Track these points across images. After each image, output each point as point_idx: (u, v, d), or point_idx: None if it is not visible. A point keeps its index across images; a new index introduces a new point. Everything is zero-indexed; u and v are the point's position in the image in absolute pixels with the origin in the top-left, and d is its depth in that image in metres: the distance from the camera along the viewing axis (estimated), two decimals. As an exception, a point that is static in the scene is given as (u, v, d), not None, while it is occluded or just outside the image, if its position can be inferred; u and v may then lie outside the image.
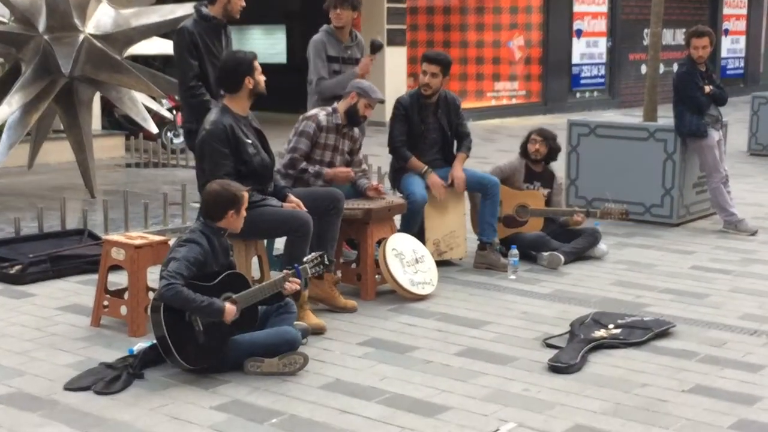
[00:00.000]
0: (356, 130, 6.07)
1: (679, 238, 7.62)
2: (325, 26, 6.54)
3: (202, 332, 4.38)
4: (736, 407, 4.16)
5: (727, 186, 7.89)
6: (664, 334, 5.09)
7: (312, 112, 5.96)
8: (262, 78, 5.17)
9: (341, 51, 6.48)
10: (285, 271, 4.77)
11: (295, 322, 4.82)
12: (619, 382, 4.44)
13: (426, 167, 6.49)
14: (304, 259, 4.84)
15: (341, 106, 5.94)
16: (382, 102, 6.06)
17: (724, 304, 5.77)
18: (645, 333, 5.02)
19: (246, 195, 4.69)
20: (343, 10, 6.42)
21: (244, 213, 4.68)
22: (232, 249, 4.79)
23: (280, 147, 6.13)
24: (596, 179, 8.31)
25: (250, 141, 5.12)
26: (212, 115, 5.13)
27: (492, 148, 12.57)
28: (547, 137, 6.99)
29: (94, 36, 8.54)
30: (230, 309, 4.41)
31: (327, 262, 4.94)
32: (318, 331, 5.06)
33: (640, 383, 4.43)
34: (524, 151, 7.02)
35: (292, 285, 4.67)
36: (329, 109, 5.95)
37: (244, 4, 5.98)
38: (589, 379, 4.48)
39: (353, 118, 5.91)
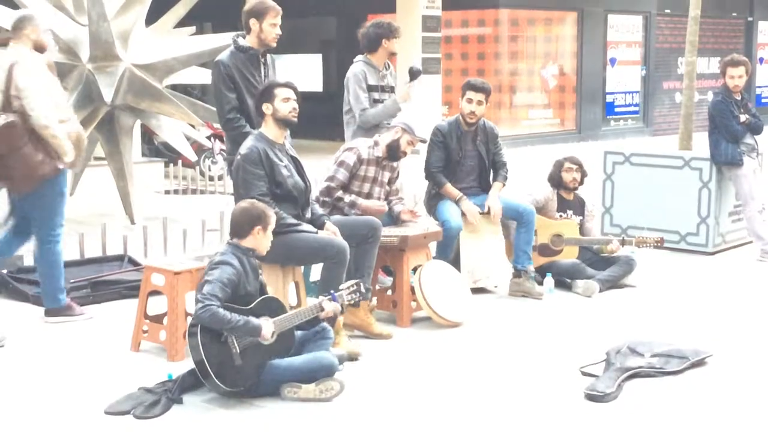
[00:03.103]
0: (395, 160, 6.14)
1: (714, 267, 7.58)
2: (360, 57, 6.54)
3: (239, 355, 4.42)
4: (774, 438, 4.15)
5: (762, 215, 7.85)
6: (700, 363, 5.07)
7: (353, 143, 6.03)
8: (284, 105, 5.18)
9: (379, 79, 6.53)
10: (321, 297, 4.82)
11: (332, 348, 4.87)
12: (656, 412, 4.42)
13: (460, 195, 6.54)
14: (341, 287, 4.88)
15: (384, 139, 6.00)
16: (424, 142, 6.13)
17: (761, 334, 5.73)
18: (682, 362, 5.00)
19: (273, 216, 4.73)
20: (398, 40, 6.53)
21: (271, 234, 4.71)
22: (260, 268, 4.81)
23: (316, 174, 6.19)
24: (631, 207, 8.31)
25: (283, 163, 5.19)
26: (248, 142, 5.23)
27: (526, 176, 12.57)
28: (580, 165, 7.06)
29: (136, 65, 8.71)
30: (267, 326, 4.44)
31: (363, 290, 4.98)
32: (353, 358, 5.10)
33: (677, 413, 4.41)
34: (557, 182, 7.05)
35: (329, 311, 4.72)
36: (371, 141, 6.02)
37: (279, 32, 5.80)
38: (625, 407, 4.47)
39: (394, 152, 5.97)
